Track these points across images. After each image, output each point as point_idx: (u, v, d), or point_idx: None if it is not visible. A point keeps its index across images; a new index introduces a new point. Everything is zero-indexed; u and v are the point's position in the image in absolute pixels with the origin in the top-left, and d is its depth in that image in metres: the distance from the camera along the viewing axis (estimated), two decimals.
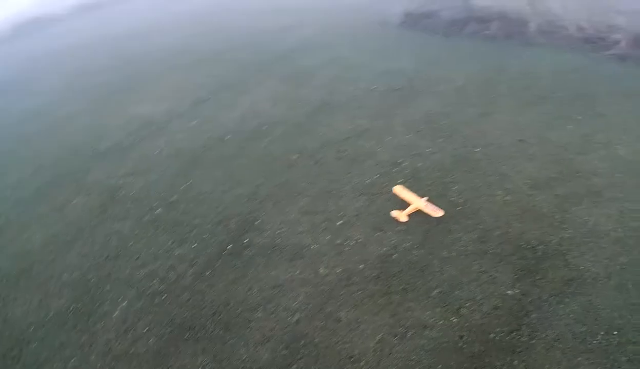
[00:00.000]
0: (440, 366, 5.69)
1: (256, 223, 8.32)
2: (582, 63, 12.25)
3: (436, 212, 7.73)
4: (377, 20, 18.13)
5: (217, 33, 20.07)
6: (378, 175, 9.02)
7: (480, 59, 13.43)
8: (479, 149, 9.28)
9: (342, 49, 15.63)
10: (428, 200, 7.99)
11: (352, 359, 5.90)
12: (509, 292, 6.38)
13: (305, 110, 11.94)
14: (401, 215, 7.84)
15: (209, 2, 26.20)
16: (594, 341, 5.66)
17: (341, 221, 8.03)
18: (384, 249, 7.34)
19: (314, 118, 11.48)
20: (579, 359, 5.50)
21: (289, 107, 12.27)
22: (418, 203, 7.94)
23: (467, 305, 6.30)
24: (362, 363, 5.84)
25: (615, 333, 5.71)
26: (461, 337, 5.95)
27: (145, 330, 6.72)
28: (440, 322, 6.16)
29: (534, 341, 5.76)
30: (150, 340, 6.56)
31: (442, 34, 15.89)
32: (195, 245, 8.04)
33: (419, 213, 7.84)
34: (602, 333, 5.74)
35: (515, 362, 5.58)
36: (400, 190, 8.37)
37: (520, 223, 7.45)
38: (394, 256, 7.19)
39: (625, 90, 10.60)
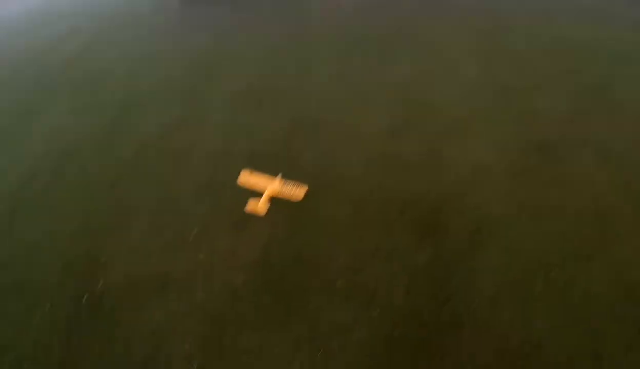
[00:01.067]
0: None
1: (102, 260, 5.97)
2: None
3: (296, 193, 6.25)
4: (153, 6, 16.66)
5: None
6: (213, 167, 7.28)
7: (282, 21, 12.84)
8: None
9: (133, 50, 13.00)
10: (283, 179, 6.49)
11: None
12: (419, 260, 5.30)
13: (107, 114, 9.47)
14: (258, 206, 6.16)
15: None
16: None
17: (195, 231, 6.11)
18: (257, 251, 5.69)
19: (119, 121, 9.17)
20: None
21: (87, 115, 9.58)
22: (273, 186, 6.35)
23: (380, 290, 5.06)
24: None
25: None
26: (392, 330, 4.70)
27: None
28: (361, 319, 4.83)
29: (475, 303, 4.79)
30: None
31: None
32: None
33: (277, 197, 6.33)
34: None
35: (467, 333, 4.56)
36: (247, 178, 6.68)
37: (392, 180, 6.42)
38: (271, 257, 5.62)
39: None
